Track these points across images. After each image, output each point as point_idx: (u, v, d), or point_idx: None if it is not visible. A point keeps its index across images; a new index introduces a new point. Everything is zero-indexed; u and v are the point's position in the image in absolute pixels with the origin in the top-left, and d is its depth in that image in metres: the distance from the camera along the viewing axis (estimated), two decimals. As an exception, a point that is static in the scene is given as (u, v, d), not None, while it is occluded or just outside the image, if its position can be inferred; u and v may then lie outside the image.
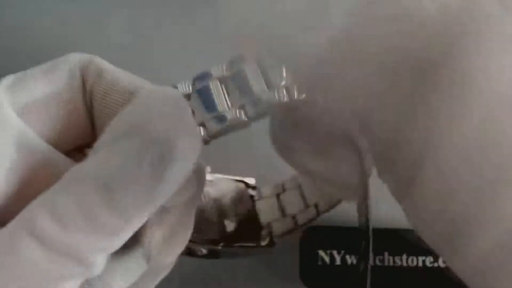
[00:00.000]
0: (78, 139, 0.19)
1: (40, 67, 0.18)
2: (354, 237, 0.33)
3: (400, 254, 0.32)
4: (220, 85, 0.16)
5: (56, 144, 0.18)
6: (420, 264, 0.32)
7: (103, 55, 0.20)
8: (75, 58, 0.18)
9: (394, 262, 0.32)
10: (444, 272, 0.32)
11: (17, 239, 0.15)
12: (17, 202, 0.16)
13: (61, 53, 0.19)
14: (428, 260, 0.32)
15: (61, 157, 0.18)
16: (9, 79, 0.18)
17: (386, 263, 0.32)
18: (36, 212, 0.15)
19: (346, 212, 0.36)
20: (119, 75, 0.18)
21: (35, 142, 0.17)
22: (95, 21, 0.39)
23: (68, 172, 0.16)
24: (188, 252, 0.21)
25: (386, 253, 0.32)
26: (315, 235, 0.32)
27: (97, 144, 0.16)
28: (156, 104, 0.16)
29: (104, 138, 0.16)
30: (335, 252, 0.32)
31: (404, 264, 0.32)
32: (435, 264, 0.32)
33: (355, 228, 0.34)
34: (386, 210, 0.36)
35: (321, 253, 0.32)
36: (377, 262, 0.32)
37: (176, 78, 0.19)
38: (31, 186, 0.17)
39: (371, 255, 0.33)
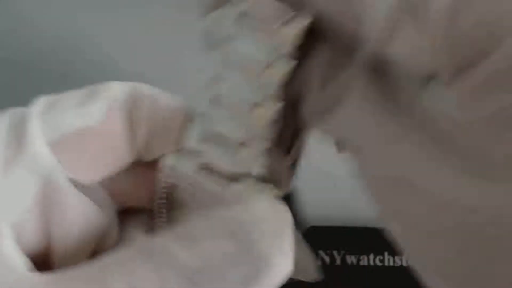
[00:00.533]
0: (110, 172, 0.18)
1: (75, 94, 0.17)
2: (354, 237, 0.33)
3: (400, 254, 0.32)
4: None
5: (84, 178, 0.17)
6: (420, 264, 0.32)
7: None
8: (116, 90, 0.17)
9: (394, 262, 0.32)
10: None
11: None
12: (45, 240, 0.16)
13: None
14: (428, 260, 0.32)
15: (85, 201, 0.17)
16: (41, 103, 0.17)
17: (386, 263, 0.32)
18: (111, 281, 0.14)
19: (346, 212, 0.36)
20: (171, 103, 0.18)
21: (62, 183, 0.16)
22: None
23: (153, 244, 0.15)
24: None
25: (386, 253, 0.32)
26: (315, 235, 0.32)
27: (189, 226, 0.15)
28: (265, 215, 0.15)
29: (200, 225, 0.15)
30: (335, 252, 0.32)
31: (404, 264, 0.32)
32: (435, 264, 0.32)
33: (355, 228, 0.34)
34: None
35: (321, 253, 0.32)
36: (377, 262, 0.32)
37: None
38: (55, 226, 0.16)
39: (371, 255, 0.33)
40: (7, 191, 0.16)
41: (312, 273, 0.20)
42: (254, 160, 0.17)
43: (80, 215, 0.17)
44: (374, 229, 0.33)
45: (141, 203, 0.19)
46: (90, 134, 0.17)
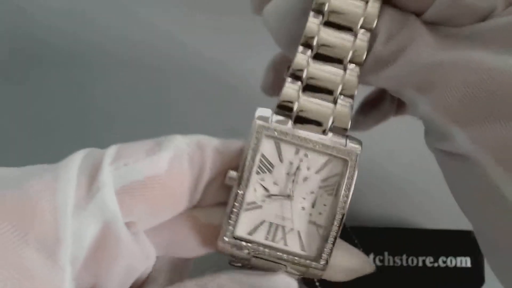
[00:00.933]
0: (164, 219, 0.19)
1: (143, 144, 0.18)
2: (355, 237, 0.33)
3: (400, 254, 0.32)
4: None
5: (140, 224, 0.18)
6: (420, 264, 0.32)
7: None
8: (182, 142, 0.18)
9: (394, 262, 0.32)
10: (444, 272, 0.32)
11: None
12: (89, 281, 0.17)
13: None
14: (428, 260, 0.32)
15: (136, 249, 0.18)
16: (113, 150, 0.18)
17: (386, 263, 0.32)
18: None
19: (347, 212, 0.36)
20: (231, 151, 0.19)
21: (121, 231, 0.17)
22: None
23: None
24: None
25: (386, 253, 0.32)
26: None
27: (217, 278, 0.18)
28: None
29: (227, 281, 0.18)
30: (335, 252, 0.32)
31: (404, 264, 0.32)
32: (435, 264, 0.32)
33: (355, 228, 0.34)
34: (386, 210, 0.36)
35: (321, 253, 0.32)
36: (377, 262, 0.32)
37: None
38: (103, 268, 0.17)
39: (371, 255, 0.33)
40: (73, 231, 0.17)
41: (365, 269, 0.21)
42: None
43: (128, 261, 0.18)
44: (374, 229, 0.33)
45: (179, 254, 0.20)
46: (156, 182, 0.18)
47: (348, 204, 0.19)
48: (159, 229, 0.19)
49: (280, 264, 0.19)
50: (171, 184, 0.18)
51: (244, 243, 0.19)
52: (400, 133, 0.34)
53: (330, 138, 0.19)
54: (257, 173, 0.19)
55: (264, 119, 0.19)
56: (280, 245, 0.19)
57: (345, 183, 0.19)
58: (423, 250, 0.32)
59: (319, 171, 0.19)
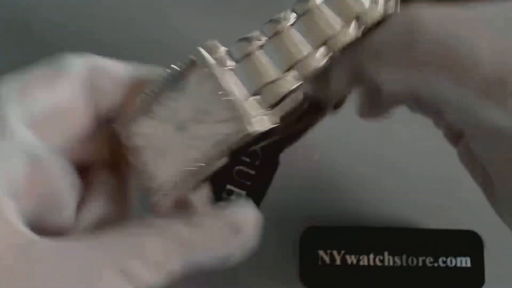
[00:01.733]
0: (90, 152, 0.19)
1: (40, 73, 0.18)
2: (354, 237, 0.33)
3: (400, 254, 0.32)
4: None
5: (69, 156, 0.18)
6: (420, 264, 0.32)
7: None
8: (78, 64, 0.18)
9: (394, 262, 0.32)
10: (444, 272, 0.32)
11: (104, 270, 0.16)
12: (36, 212, 0.17)
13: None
14: (428, 260, 0.32)
15: (72, 170, 0.18)
16: (11, 84, 0.18)
17: (386, 263, 0.32)
18: (128, 254, 0.17)
19: (346, 212, 0.36)
20: (126, 71, 0.19)
21: (46, 155, 0.17)
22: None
23: (160, 225, 0.18)
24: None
25: (386, 253, 0.32)
26: (315, 235, 0.32)
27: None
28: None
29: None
30: (335, 252, 0.32)
31: (404, 264, 0.32)
32: (435, 264, 0.32)
33: (355, 228, 0.34)
34: (386, 210, 0.36)
35: (321, 253, 0.32)
36: (377, 262, 0.32)
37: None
38: (44, 197, 0.17)
39: (371, 255, 0.33)
40: None
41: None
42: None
43: (62, 181, 0.18)
44: (374, 229, 0.33)
45: (99, 157, 0.20)
46: (62, 109, 0.18)
47: None
48: (79, 146, 0.19)
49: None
50: (78, 108, 0.18)
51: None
52: (400, 133, 0.34)
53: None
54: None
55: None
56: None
57: None
58: (423, 250, 0.32)
59: None
